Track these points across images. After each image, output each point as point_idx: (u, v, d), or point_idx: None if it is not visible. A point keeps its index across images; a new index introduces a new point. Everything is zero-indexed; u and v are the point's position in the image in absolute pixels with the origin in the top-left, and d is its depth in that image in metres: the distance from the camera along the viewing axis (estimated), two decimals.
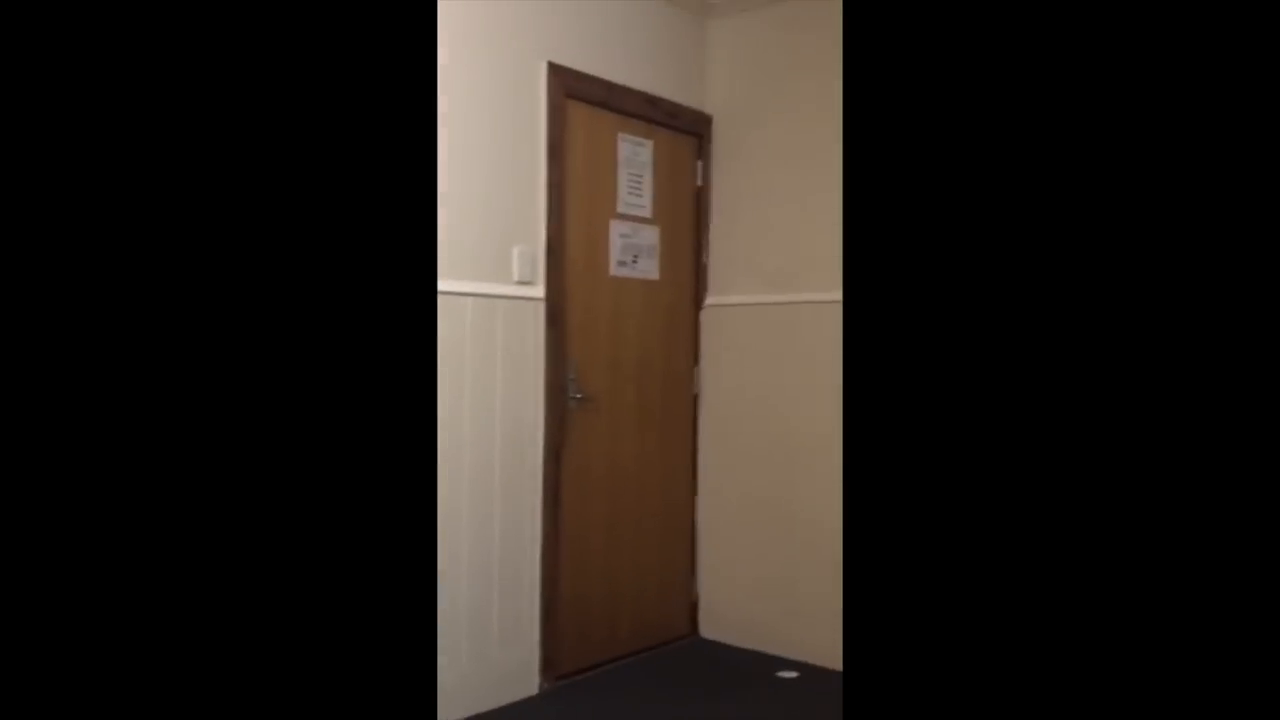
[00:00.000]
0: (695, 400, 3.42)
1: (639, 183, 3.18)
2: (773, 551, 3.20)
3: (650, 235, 3.23)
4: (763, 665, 3.07)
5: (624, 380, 3.14)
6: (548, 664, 2.83)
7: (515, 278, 2.72)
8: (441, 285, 2.48)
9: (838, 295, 3.04)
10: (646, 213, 3.21)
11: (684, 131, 3.34)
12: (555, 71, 2.82)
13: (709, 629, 3.39)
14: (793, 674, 2.99)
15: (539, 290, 2.79)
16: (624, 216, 3.12)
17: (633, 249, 3.16)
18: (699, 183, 3.41)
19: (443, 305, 2.49)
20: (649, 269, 3.23)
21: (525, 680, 2.77)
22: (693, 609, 3.41)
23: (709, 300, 3.40)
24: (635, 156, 3.16)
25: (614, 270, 3.10)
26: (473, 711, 2.59)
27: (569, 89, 2.88)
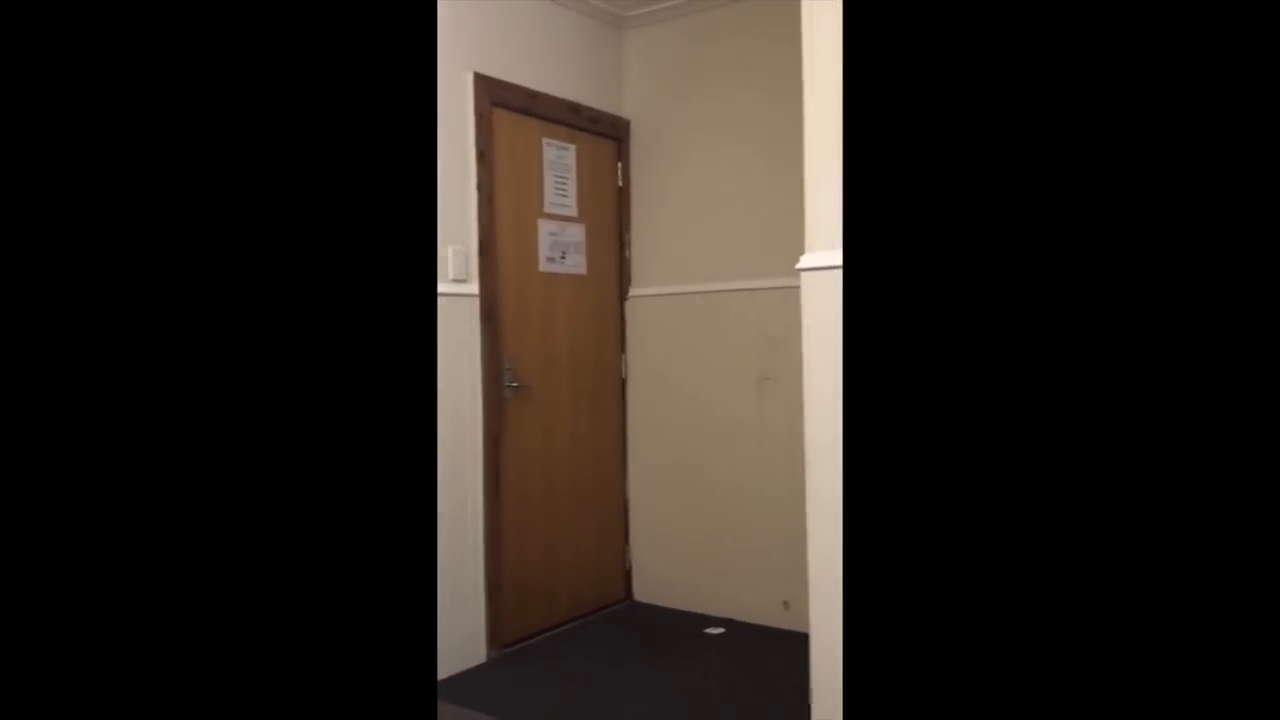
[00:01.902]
0: (623, 385, 3.56)
1: (564, 184, 3.30)
2: (698, 520, 3.36)
3: (576, 233, 3.35)
4: (692, 624, 3.23)
5: (557, 369, 3.26)
6: (494, 634, 2.94)
7: (450, 276, 2.81)
8: None
9: (752, 284, 3.21)
10: (572, 212, 3.33)
11: (604, 136, 3.46)
12: (481, 81, 2.91)
13: (642, 593, 3.54)
14: (719, 630, 3.16)
15: (473, 287, 2.88)
16: (551, 216, 3.24)
17: (560, 246, 3.28)
18: (620, 183, 3.54)
19: None
20: (576, 264, 3.36)
21: (473, 650, 2.88)
22: (626, 576, 3.56)
23: (633, 292, 3.55)
24: (560, 159, 3.28)
25: (543, 266, 3.21)
26: None
27: (494, 97, 2.97)
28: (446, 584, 2.79)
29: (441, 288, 2.77)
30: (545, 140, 3.21)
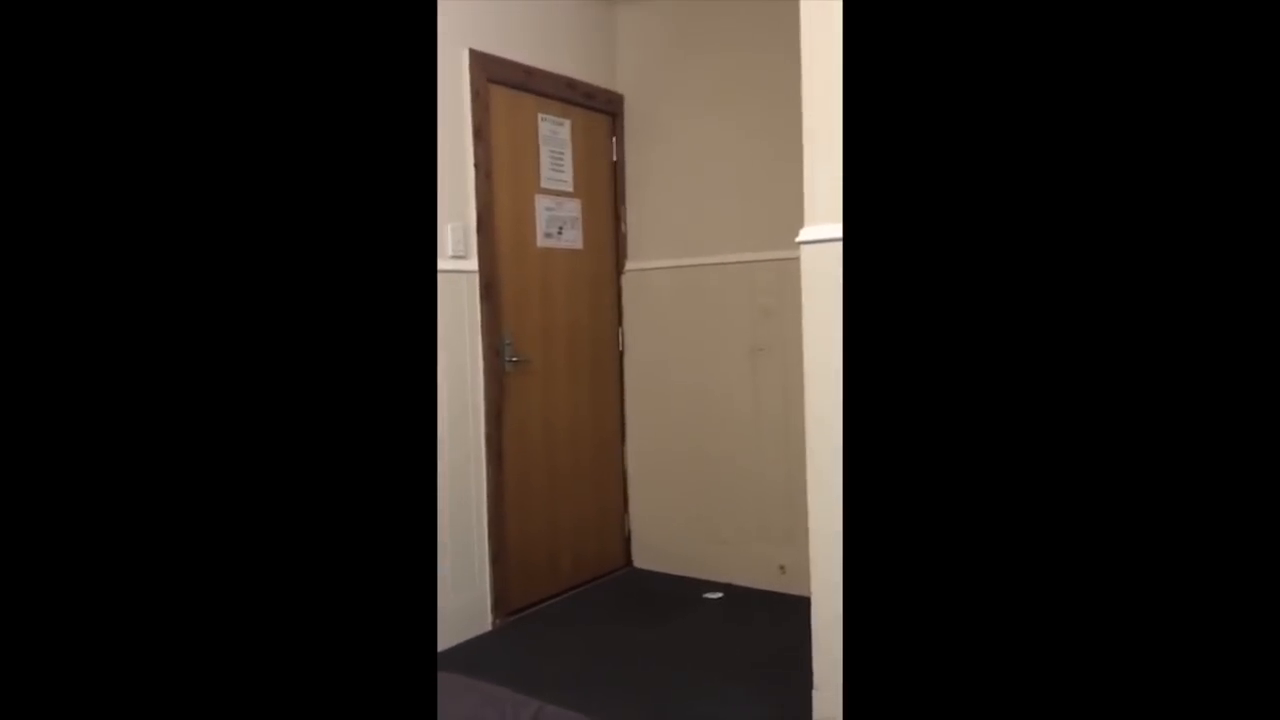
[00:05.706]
0: (620, 357, 3.54)
1: (560, 159, 3.24)
2: (694, 488, 3.36)
3: (573, 208, 3.31)
4: (690, 589, 3.23)
5: (555, 342, 3.23)
6: (498, 603, 2.94)
7: (450, 252, 2.77)
8: None
9: (745, 256, 3.18)
10: (568, 187, 3.28)
11: (599, 110, 3.40)
12: (477, 58, 2.85)
13: (642, 560, 3.55)
14: (717, 595, 3.16)
15: (472, 264, 2.84)
16: (547, 191, 3.19)
17: (557, 221, 3.24)
18: (615, 157, 3.49)
19: None
20: (573, 239, 3.31)
21: (479, 619, 2.88)
22: (626, 543, 3.57)
23: (629, 266, 3.51)
24: (555, 135, 3.22)
25: (541, 241, 3.17)
26: None
27: (490, 74, 2.91)
28: (450, 555, 2.78)
29: (441, 264, 2.73)
30: (540, 116, 3.15)
